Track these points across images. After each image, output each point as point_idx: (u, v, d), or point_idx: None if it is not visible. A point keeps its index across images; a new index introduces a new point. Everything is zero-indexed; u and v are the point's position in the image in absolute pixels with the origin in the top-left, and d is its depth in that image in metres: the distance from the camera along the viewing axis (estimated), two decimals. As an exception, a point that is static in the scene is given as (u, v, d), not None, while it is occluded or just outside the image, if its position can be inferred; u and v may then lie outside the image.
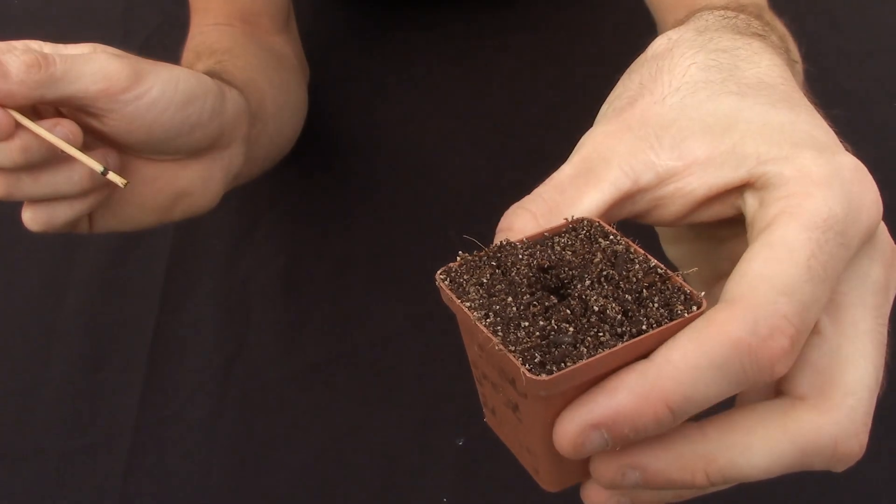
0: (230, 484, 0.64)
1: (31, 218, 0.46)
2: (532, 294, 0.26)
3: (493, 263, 0.28)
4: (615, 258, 0.28)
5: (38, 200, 0.45)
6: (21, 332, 0.73)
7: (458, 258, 0.28)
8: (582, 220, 0.29)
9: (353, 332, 0.71)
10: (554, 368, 0.24)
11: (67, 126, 0.43)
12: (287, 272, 0.75)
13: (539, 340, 0.25)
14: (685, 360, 0.24)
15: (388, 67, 0.88)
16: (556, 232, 0.29)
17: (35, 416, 0.68)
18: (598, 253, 0.28)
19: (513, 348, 0.25)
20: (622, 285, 0.27)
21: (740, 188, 0.28)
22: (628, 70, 0.34)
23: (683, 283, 0.26)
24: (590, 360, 0.24)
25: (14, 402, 0.69)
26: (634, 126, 0.30)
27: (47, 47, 0.44)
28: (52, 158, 0.43)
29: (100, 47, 0.46)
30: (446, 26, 0.90)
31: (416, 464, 0.64)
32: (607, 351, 0.24)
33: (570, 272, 0.27)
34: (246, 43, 0.67)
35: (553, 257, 0.28)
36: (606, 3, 0.90)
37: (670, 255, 0.36)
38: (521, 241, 0.29)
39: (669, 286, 0.26)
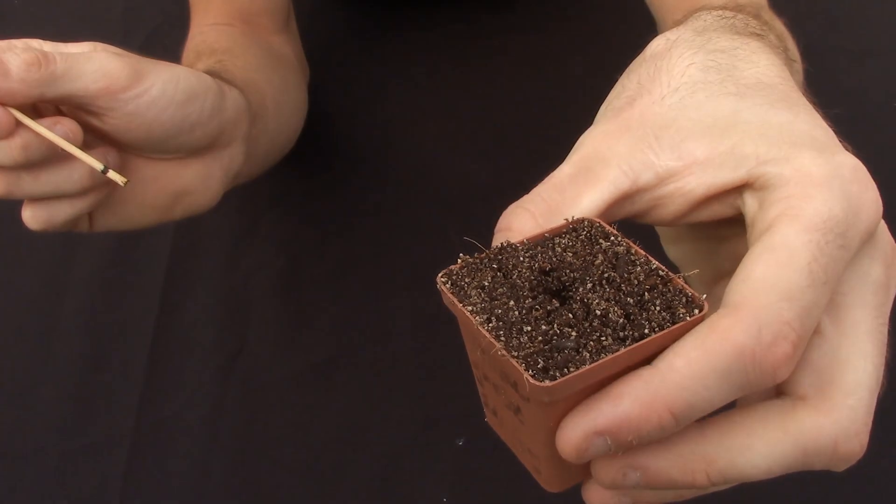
0: (230, 484, 0.64)
1: (32, 216, 0.46)
2: (534, 298, 0.26)
3: (495, 266, 0.28)
4: (616, 260, 0.28)
5: (38, 199, 0.45)
6: (21, 332, 0.73)
7: (459, 260, 0.28)
8: (582, 220, 0.29)
9: (353, 332, 0.71)
10: (557, 374, 0.24)
11: (68, 124, 0.43)
12: (287, 272, 0.75)
13: (542, 345, 0.25)
14: (689, 368, 0.24)
15: (388, 67, 0.88)
16: (557, 233, 0.29)
17: (35, 416, 0.68)
18: (600, 255, 0.28)
19: (515, 353, 0.24)
20: (624, 288, 0.26)
21: (739, 188, 0.28)
22: (627, 70, 0.34)
23: (685, 285, 0.26)
24: (593, 365, 0.24)
25: (14, 402, 0.69)
26: (633, 126, 0.30)
27: (47, 46, 0.44)
28: (53, 157, 0.43)
29: (100, 46, 0.46)
30: (446, 26, 0.90)
31: (416, 464, 0.64)
32: (610, 356, 0.24)
33: (572, 274, 0.27)
34: (246, 43, 0.66)
35: (554, 259, 0.28)
36: (607, 4, 0.90)
37: (671, 255, 0.36)
38: (522, 243, 0.29)
39: (671, 288, 0.26)
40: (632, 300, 0.26)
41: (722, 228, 0.31)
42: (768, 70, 0.31)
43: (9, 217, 0.52)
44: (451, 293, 0.27)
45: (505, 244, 0.29)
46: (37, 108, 0.45)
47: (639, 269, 0.27)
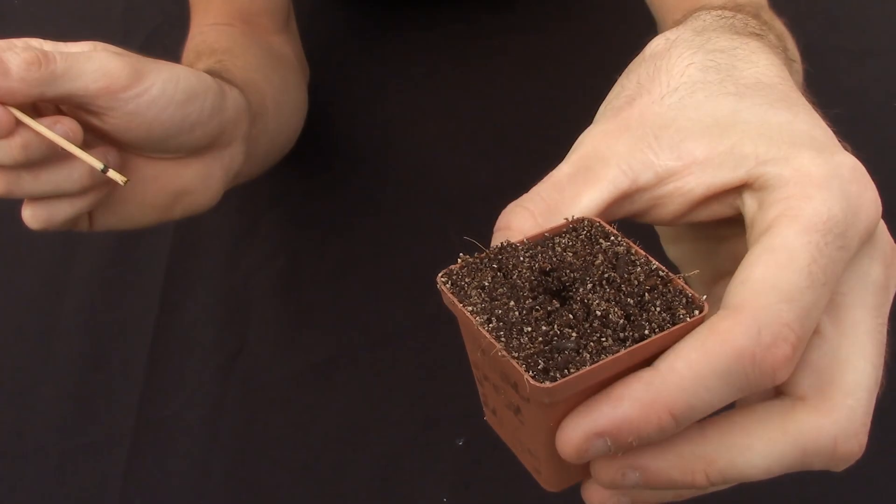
0: (230, 484, 0.64)
1: (32, 215, 0.46)
2: (534, 298, 0.26)
3: (495, 266, 0.28)
4: (616, 260, 0.28)
5: (38, 198, 0.45)
6: (21, 331, 0.73)
7: (459, 260, 0.28)
8: (582, 220, 0.29)
9: (353, 332, 0.71)
10: (557, 375, 0.24)
11: (68, 124, 0.43)
12: (287, 272, 0.75)
13: (542, 346, 0.25)
14: (689, 370, 0.24)
15: (388, 67, 0.88)
16: (557, 232, 0.29)
17: (35, 415, 0.68)
18: (600, 255, 0.28)
19: (516, 354, 0.24)
20: (624, 288, 0.26)
21: (739, 188, 0.28)
22: (626, 70, 0.34)
23: (685, 285, 0.26)
24: (593, 366, 0.24)
25: (14, 401, 0.69)
26: (633, 125, 0.30)
27: (47, 45, 0.44)
28: (53, 156, 0.43)
29: (100, 45, 0.46)
30: (446, 26, 0.90)
31: (416, 464, 0.64)
32: (610, 357, 0.24)
33: (572, 274, 0.27)
34: (246, 43, 0.67)
35: (554, 259, 0.28)
36: (607, 4, 0.90)
37: (670, 255, 0.36)
38: (522, 242, 0.29)
39: (671, 289, 0.26)
40: (632, 301, 0.26)
41: (721, 228, 0.31)
42: (767, 70, 0.31)
43: (9, 216, 0.52)
44: (452, 293, 0.27)
45: (505, 244, 0.29)
46: (37, 108, 0.45)
47: (639, 269, 0.27)
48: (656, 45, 0.33)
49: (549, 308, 0.26)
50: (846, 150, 0.28)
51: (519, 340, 0.25)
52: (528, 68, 0.86)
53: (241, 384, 0.68)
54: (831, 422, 0.26)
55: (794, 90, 0.31)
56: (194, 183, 0.52)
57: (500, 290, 0.27)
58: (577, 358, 0.24)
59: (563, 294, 0.27)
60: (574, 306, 0.26)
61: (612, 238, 0.29)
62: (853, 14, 0.88)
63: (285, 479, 0.64)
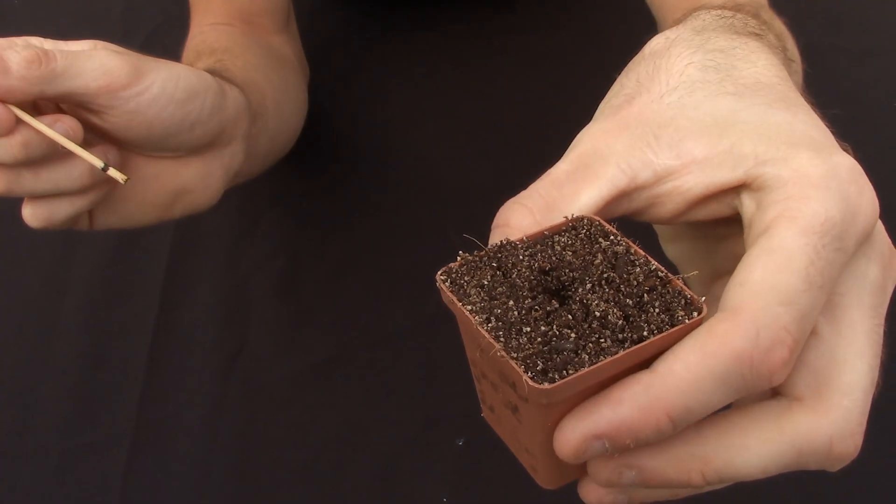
0: (230, 484, 0.64)
1: (32, 214, 0.46)
2: (533, 298, 0.26)
3: (494, 265, 0.28)
4: (616, 260, 0.27)
5: (38, 196, 0.45)
6: (21, 330, 0.73)
7: (459, 258, 0.28)
8: (582, 218, 0.29)
9: (353, 332, 0.71)
10: (556, 376, 0.24)
11: (68, 122, 0.43)
12: (287, 272, 0.75)
13: (541, 347, 0.25)
14: (688, 373, 0.24)
15: (388, 67, 0.88)
16: (556, 230, 0.29)
17: (35, 415, 0.68)
18: (599, 254, 0.28)
19: (515, 355, 0.24)
20: (623, 289, 0.26)
21: (737, 188, 0.29)
22: (626, 68, 0.34)
23: (684, 286, 0.26)
24: (591, 368, 0.24)
25: (14, 401, 0.69)
26: (632, 124, 0.30)
27: (48, 44, 0.44)
28: (53, 154, 0.43)
29: (100, 44, 0.46)
30: (446, 26, 0.90)
31: (416, 464, 0.64)
32: (609, 359, 0.24)
33: (571, 274, 0.27)
34: (245, 42, 0.67)
35: (553, 258, 0.28)
36: (607, 4, 0.90)
37: (669, 254, 0.36)
38: (521, 241, 0.29)
39: (670, 290, 0.26)
40: (631, 301, 0.26)
41: (720, 228, 0.31)
42: (766, 70, 0.31)
43: (9, 215, 0.52)
44: (451, 292, 0.27)
45: (504, 242, 0.29)
46: (37, 106, 0.45)
47: (638, 269, 0.27)
48: (656, 43, 0.33)
49: (548, 308, 0.26)
50: (846, 150, 0.28)
51: (518, 341, 0.25)
52: (528, 68, 0.86)
53: (241, 384, 0.68)
54: (827, 422, 0.26)
55: (792, 90, 0.31)
56: (194, 182, 0.52)
57: (500, 289, 0.27)
58: (576, 359, 0.24)
59: (563, 294, 0.27)
60: (573, 306, 0.26)
61: (612, 237, 0.29)
62: (853, 14, 0.88)
63: (285, 479, 0.64)
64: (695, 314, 0.26)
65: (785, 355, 0.24)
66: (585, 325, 0.25)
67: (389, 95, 0.86)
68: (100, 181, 0.46)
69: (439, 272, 0.28)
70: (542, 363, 0.24)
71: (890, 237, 0.29)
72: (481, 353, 0.26)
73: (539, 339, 0.25)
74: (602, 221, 0.29)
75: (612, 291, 0.26)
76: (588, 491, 0.29)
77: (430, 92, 0.85)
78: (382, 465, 0.64)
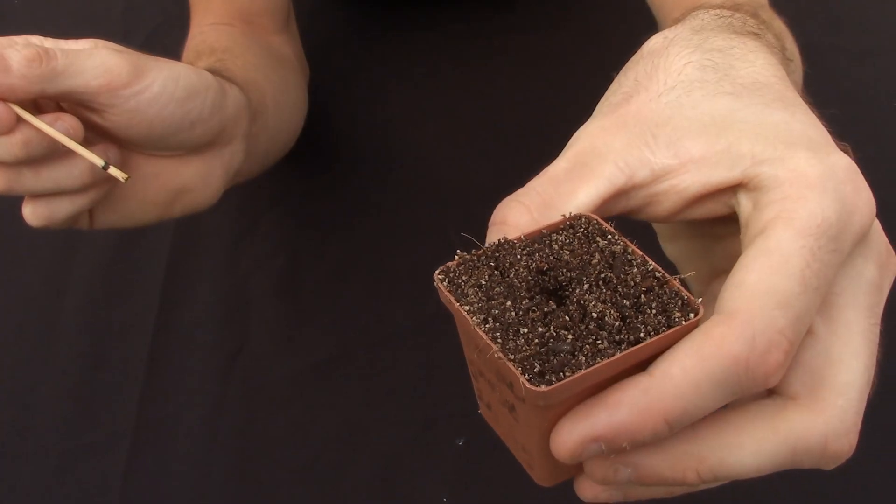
0: (230, 484, 0.64)
1: (32, 212, 0.46)
2: (531, 298, 0.26)
3: (492, 264, 0.28)
4: (613, 260, 0.27)
5: (38, 195, 0.45)
6: (21, 330, 0.73)
7: (457, 257, 0.28)
8: (580, 216, 0.29)
9: (353, 332, 0.71)
10: (553, 378, 0.24)
11: (68, 121, 0.43)
12: (287, 272, 0.75)
13: (538, 348, 0.25)
14: (685, 376, 0.24)
15: (388, 67, 0.88)
16: (554, 229, 0.29)
17: (35, 416, 0.68)
18: (597, 254, 0.28)
19: (512, 356, 0.24)
20: (620, 289, 0.26)
21: (734, 188, 0.29)
22: (624, 67, 0.34)
23: (681, 287, 0.26)
24: (588, 369, 0.24)
25: (14, 401, 0.69)
26: (630, 122, 0.30)
27: (48, 42, 0.44)
28: (53, 153, 0.43)
29: (101, 43, 0.46)
30: (446, 26, 0.90)
31: (416, 464, 0.64)
32: (606, 360, 0.24)
33: (569, 274, 0.27)
34: (245, 42, 0.67)
35: (551, 258, 0.28)
36: (607, 4, 0.90)
37: (668, 253, 0.36)
38: (519, 239, 0.29)
39: (667, 291, 0.26)
40: (628, 302, 0.26)
41: (717, 227, 0.31)
42: (764, 69, 0.31)
43: (9, 214, 0.52)
44: (449, 291, 0.27)
45: (502, 241, 0.28)
46: (38, 105, 0.45)
47: (635, 270, 0.27)
48: (654, 42, 0.34)
49: (545, 309, 0.26)
50: (846, 150, 0.28)
51: (515, 342, 0.25)
52: (528, 68, 0.86)
53: (241, 384, 0.68)
54: (822, 421, 0.26)
55: (790, 90, 0.31)
56: (195, 181, 0.52)
57: (497, 289, 0.27)
58: (573, 361, 0.24)
59: (560, 294, 0.27)
60: (570, 307, 0.26)
61: (609, 237, 0.28)
62: (853, 14, 0.88)
63: (285, 479, 0.64)
64: (691, 315, 0.25)
65: (780, 358, 0.24)
66: (582, 327, 0.25)
67: (389, 95, 0.86)
68: (100, 180, 0.46)
69: (437, 272, 0.28)
70: (540, 365, 0.24)
71: (888, 237, 0.29)
72: (479, 354, 0.26)
73: (536, 341, 0.25)
74: (600, 220, 0.29)
75: (609, 292, 0.26)
76: (584, 488, 0.29)
77: (430, 92, 0.85)
78: (382, 465, 0.64)
